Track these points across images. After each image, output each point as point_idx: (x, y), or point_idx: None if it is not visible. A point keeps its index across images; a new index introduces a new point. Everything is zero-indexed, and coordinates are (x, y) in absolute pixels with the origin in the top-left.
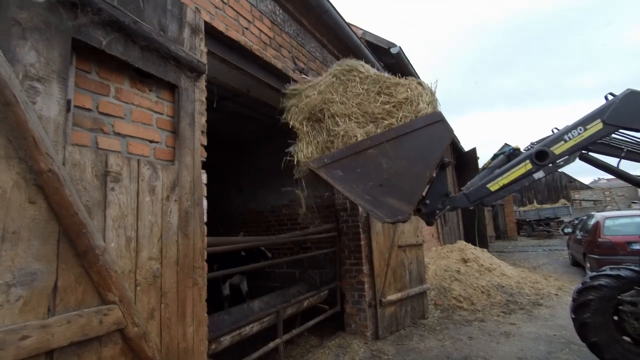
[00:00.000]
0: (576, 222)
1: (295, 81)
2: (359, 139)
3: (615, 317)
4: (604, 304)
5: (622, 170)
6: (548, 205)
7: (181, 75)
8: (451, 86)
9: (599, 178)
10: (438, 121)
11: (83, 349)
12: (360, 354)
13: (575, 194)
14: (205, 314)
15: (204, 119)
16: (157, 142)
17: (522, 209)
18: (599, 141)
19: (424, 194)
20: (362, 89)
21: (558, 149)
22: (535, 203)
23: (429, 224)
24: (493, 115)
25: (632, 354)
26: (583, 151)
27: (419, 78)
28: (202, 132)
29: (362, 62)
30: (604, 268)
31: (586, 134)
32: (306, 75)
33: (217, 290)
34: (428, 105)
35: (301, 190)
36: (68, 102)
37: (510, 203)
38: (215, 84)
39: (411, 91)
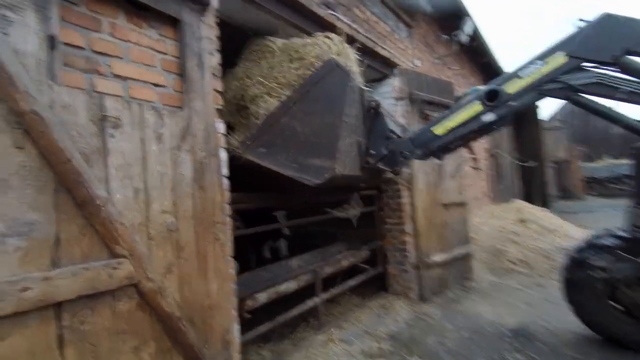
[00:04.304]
0: None
1: (321, 17)
2: None
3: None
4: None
5: (619, 114)
6: (624, 161)
7: (183, 6)
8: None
9: None
10: (333, 69)
11: (95, 302)
12: (404, 315)
13: None
14: (231, 271)
15: (215, 60)
16: (162, 86)
17: (591, 165)
18: (594, 81)
19: (368, 146)
20: (275, 62)
21: (511, 87)
22: (607, 158)
23: (395, 173)
24: None
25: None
26: (573, 92)
27: (469, 12)
28: (214, 74)
29: (270, 37)
30: (608, 228)
31: (545, 70)
32: (334, 10)
33: (260, 254)
34: (338, 55)
35: None
36: (51, 37)
37: (576, 159)
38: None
39: (320, 47)
